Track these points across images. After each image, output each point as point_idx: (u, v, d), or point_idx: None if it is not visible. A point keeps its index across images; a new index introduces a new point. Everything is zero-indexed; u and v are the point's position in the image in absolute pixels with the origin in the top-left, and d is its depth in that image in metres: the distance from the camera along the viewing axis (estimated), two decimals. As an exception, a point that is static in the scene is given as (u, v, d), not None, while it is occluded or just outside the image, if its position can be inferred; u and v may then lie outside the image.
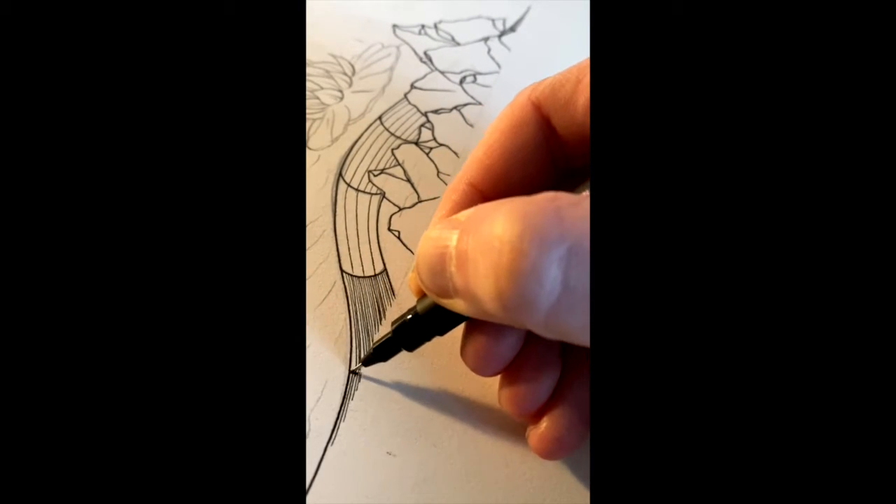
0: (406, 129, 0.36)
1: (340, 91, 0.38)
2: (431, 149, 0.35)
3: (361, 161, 0.34)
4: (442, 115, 0.37)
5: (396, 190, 0.33)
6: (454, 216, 0.22)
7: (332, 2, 0.42)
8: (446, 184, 0.33)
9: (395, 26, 0.42)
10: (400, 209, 0.33)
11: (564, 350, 0.24)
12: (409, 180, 0.34)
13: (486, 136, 0.25)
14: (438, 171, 0.34)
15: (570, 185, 0.26)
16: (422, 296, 0.24)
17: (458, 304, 0.22)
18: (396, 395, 0.27)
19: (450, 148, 0.36)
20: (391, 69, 0.39)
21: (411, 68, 0.40)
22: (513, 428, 0.26)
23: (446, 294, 0.22)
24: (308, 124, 0.36)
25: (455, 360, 0.27)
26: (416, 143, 0.36)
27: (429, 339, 0.25)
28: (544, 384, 0.24)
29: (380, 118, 0.37)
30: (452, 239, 0.21)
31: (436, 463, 0.25)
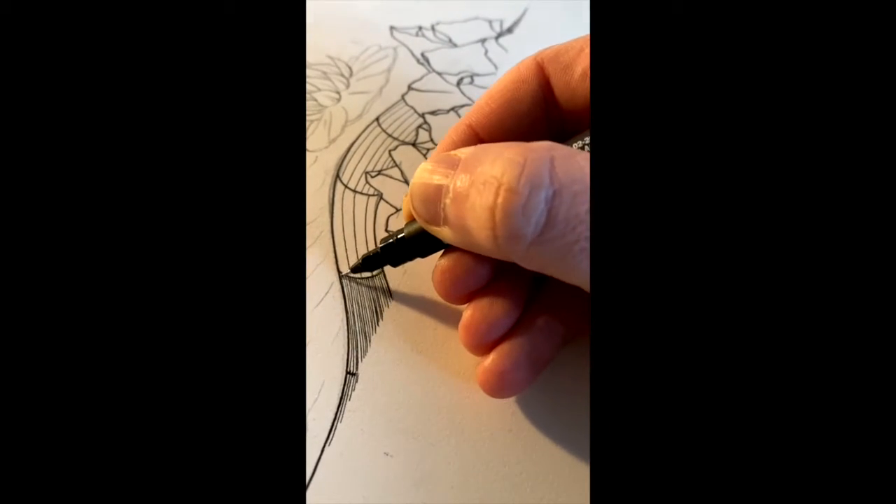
0: (403, 131, 0.36)
1: (338, 93, 0.38)
2: (429, 150, 0.35)
3: (359, 162, 0.34)
4: (439, 117, 0.37)
5: (394, 191, 0.33)
6: (452, 151, 0.24)
7: (329, 3, 0.42)
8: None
9: (392, 28, 0.42)
10: (397, 210, 0.33)
11: (528, 298, 0.26)
12: (406, 181, 0.34)
13: (492, 86, 0.27)
14: (436, 172, 0.34)
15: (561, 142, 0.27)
16: (411, 220, 0.26)
17: (444, 233, 0.24)
18: (394, 395, 0.27)
19: (447, 149, 0.36)
20: (388, 70, 0.39)
21: (409, 70, 0.40)
22: (510, 427, 0.26)
23: (436, 222, 0.24)
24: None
25: (453, 361, 0.27)
26: (414, 145, 0.36)
27: (411, 258, 0.27)
28: (502, 319, 0.25)
29: (377, 119, 0.37)
30: (449, 174, 0.23)
31: (433, 463, 0.25)
